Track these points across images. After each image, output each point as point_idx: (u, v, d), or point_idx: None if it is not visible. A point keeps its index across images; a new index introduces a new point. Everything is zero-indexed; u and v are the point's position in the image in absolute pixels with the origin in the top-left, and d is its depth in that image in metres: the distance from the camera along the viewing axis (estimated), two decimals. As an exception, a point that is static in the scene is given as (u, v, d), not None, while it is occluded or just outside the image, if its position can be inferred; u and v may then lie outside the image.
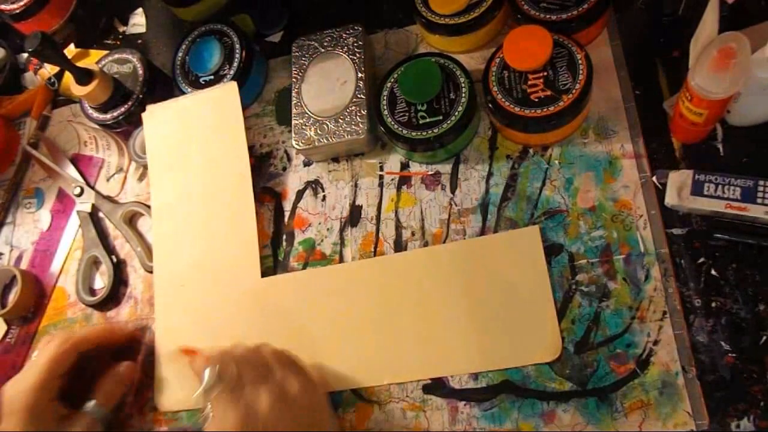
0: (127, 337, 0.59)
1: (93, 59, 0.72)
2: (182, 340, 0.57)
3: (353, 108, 0.58)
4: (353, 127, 0.57)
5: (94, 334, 0.55)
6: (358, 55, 0.59)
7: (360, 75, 0.58)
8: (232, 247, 0.59)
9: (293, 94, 0.61)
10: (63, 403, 0.51)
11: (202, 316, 0.58)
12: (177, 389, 0.57)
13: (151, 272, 0.62)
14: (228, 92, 0.62)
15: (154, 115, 0.65)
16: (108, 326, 0.59)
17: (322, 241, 0.59)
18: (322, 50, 0.61)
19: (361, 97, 0.58)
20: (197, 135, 0.63)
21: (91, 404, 0.53)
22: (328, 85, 0.59)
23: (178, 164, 0.63)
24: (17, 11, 0.71)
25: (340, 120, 0.58)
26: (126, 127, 0.66)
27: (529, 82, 0.51)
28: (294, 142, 0.59)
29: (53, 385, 0.51)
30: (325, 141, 0.57)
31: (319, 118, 0.58)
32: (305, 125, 0.59)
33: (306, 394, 0.47)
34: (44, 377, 0.50)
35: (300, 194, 0.61)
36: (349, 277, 0.56)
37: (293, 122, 0.59)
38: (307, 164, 0.62)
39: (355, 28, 0.60)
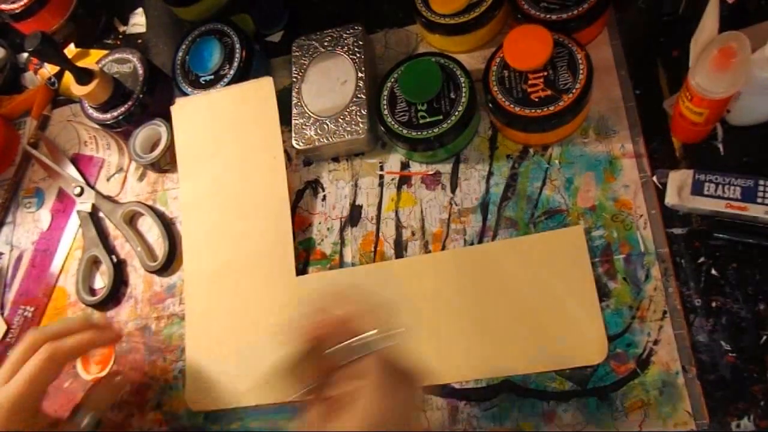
0: (110, 343, 0.56)
1: (93, 59, 0.71)
2: (213, 339, 0.57)
3: (353, 108, 0.58)
4: (353, 126, 0.57)
5: (78, 345, 0.50)
6: (358, 55, 0.59)
7: (360, 75, 0.58)
8: (266, 245, 0.58)
9: (293, 93, 0.61)
10: (46, 413, 0.49)
11: (233, 314, 0.58)
12: (209, 388, 0.56)
13: (151, 272, 0.62)
14: (263, 86, 0.61)
15: (184, 108, 0.64)
16: (91, 334, 0.52)
17: (322, 240, 0.59)
18: (323, 50, 0.61)
19: (361, 97, 0.58)
20: (230, 129, 0.62)
21: (78, 414, 0.51)
22: (328, 84, 0.59)
23: (209, 159, 0.62)
24: (17, 11, 0.71)
25: (340, 120, 0.58)
26: (126, 127, 0.66)
27: (530, 82, 0.51)
28: (294, 142, 0.59)
29: (36, 397, 0.48)
30: (326, 141, 0.57)
31: (320, 118, 0.58)
32: (305, 125, 0.59)
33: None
34: (26, 390, 0.47)
35: (300, 194, 0.61)
36: (388, 276, 0.55)
37: (293, 122, 0.59)
38: (307, 164, 0.62)
39: (355, 27, 0.60)
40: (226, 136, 0.62)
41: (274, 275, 0.58)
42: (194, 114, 0.64)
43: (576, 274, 0.50)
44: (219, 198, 0.61)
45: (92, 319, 0.55)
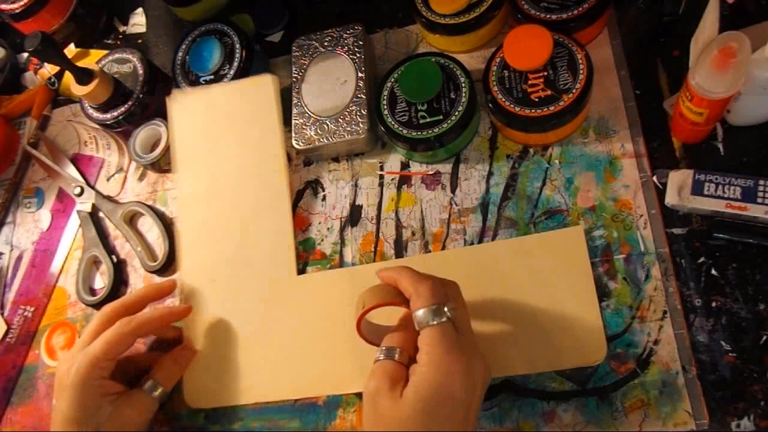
0: (181, 317, 0.57)
1: (93, 59, 0.72)
2: (211, 336, 0.57)
3: (353, 108, 0.58)
4: (353, 126, 0.57)
5: (152, 319, 0.53)
6: (358, 54, 0.59)
7: (360, 75, 0.58)
8: (267, 243, 0.58)
9: (293, 93, 0.61)
10: (116, 381, 0.51)
11: (233, 312, 0.58)
12: (209, 386, 0.56)
13: (151, 272, 0.62)
14: (264, 84, 0.61)
15: (181, 102, 0.63)
16: (164, 310, 0.57)
17: (322, 240, 0.59)
18: (323, 50, 0.61)
19: (362, 97, 0.58)
20: (229, 126, 0.62)
21: (149, 383, 0.52)
22: (328, 84, 0.59)
23: (207, 154, 0.62)
24: (17, 11, 0.71)
25: (340, 120, 0.58)
26: (126, 127, 0.66)
27: (530, 82, 0.51)
28: (294, 142, 0.59)
29: (107, 365, 0.50)
30: (326, 141, 0.57)
31: (320, 118, 0.59)
32: (305, 125, 0.59)
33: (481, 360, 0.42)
34: (98, 357, 0.49)
35: (300, 194, 0.61)
36: None
37: (293, 122, 0.59)
38: (307, 164, 0.62)
39: (356, 27, 0.60)
40: (225, 132, 0.62)
41: (274, 274, 0.58)
42: (192, 108, 0.63)
43: (576, 275, 0.50)
44: (218, 195, 0.61)
45: (162, 288, 0.58)
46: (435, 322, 0.40)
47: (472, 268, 0.53)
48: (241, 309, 0.57)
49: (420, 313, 0.41)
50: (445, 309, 0.41)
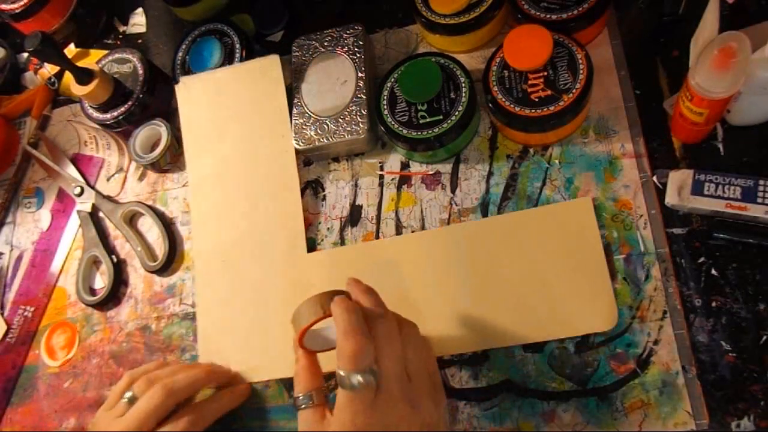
0: (226, 381, 0.56)
1: (93, 59, 0.71)
2: (223, 316, 0.58)
3: (353, 108, 0.58)
4: (353, 126, 0.57)
5: (191, 383, 0.52)
6: (358, 54, 0.59)
7: (360, 75, 0.58)
8: (277, 222, 0.59)
9: (293, 93, 0.61)
10: None
11: (244, 291, 0.58)
12: (221, 364, 0.57)
13: (151, 272, 0.62)
14: (269, 64, 0.61)
15: (189, 87, 0.64)
16: (209, 371, 0.54)
17: (322, 240, 0.59)
18: (323, 50, 0.61)
19: (362, 97, 0.58)
20: (236, 108, 0.63)
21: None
22: (328, 84, 0.59)
23: (216, 138, 0.63)
24: (17, 11, 0.71)
25: (340, 120, 0.58)
26: (126, 127, 0.66)
27: (530, 82, 0.51)
28: (294, 142, 0.59)
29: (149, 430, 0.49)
30: (326, 141, 0.57)
31: (320, 118, 0.59)
32: (305, 125, 0.59)
33: (436, 408, 0.43)
34: (141, 425, 0.49)
35: (300, 194, 0.61)
36: (396, 251, 0.55)
37: (293, 122, 0.59)
38: (307, 164, 0.62)
39: (356, 27, 0.60)
40: (233, 114, 0.63)
41: (285, 253, 0.58)
42: (200, 93, 0.64)
43: (585, 244, 0.50)
44: (228, 177, 0.62)
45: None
46: (348, 388, 0.40)
47: (482, 241, 0.53)
48: (253, 288, 0.58)
49: (339, 372, 0.41)
50: (359, 378, 0.40)
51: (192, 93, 0.64)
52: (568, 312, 0.49)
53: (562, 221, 0.52)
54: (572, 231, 0.51)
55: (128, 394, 0.51)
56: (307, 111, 0.59)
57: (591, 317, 0.49)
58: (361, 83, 0.58)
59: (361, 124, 0.57)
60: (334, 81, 0.59)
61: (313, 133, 0.58)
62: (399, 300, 0.53)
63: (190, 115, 0.64)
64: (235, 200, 0.61)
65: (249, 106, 0.62)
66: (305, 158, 0.62)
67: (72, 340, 0.63)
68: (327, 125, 0.58)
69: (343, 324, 0.41)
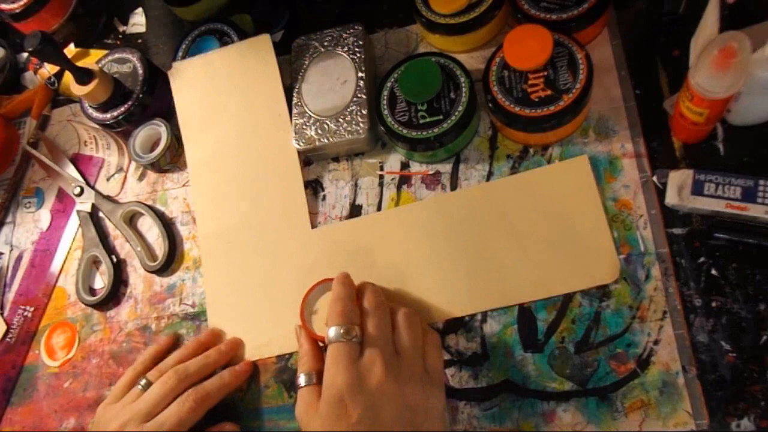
0: (245, 376, 0.56)
1: (93, 59, 0.71)
2: (231, 298, 0.59)
3: (354, 107, 0.58)
4: (354, 126, 0.57)
5: (220, 388, 0.53)
6: (358, 54, 0.59)
7: (360, 74, 0.58)
8: (279, 201, 0.60)
9: (294, 93, 0.60)
10: None
11: (251, 271, 0.59)
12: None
13: (151, 272, 0.62)
14: (260, 44, 0.62)
15: (182, 72, 0.64)
16: (230, 375, 0.54)
17: (322, 240, 0.58)
18: (323, 50, 0.61)
19: (362, 97, 0.58)
20: (231, 89, 0.63)
21: None
22: (328, 84, 0.59)
23: (212, 121, 0.63)
24: (17, 11, 0.71)
25: (340, 120, 0.58)
26: (126, 127, 0.66)
27: (530, 82, 0.51)
28: (294, 142, 0.59)
29: None
30: (326, 141, 0.57)
31: (320, 118, 0.58)
32: (306, 125, 0.59)
33: (422, 392, 0.45)
34: (151, 411, 0.50)
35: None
36: (400, 221, 0.56)
37: (294, 122, 0.59)
38: (307, 164, 0.62)
39: (356, 27, 0.60)
40: (228, 95, 0.63)
41: (289, 229, 0.59)
42: (193, 76, 0.64)
43: (584, 201, 0.51)
44: (227, 158, 0.62)
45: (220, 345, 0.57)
46: (333, 341, 0.45)
47: (483, 205, 0.54)
48: (259, 266, 0.59)
49: (327, 330, 0.46)
50: (342, 330, 0.45)
51: (185, 77, 0.65)
52: (570, 268, 0.50)
53: (559, 181, 0.52)
54: (570, 189, 0.52)
55: (142, 382, 0.53)
56: (308, 111, 0.59)
57: (593, 271, 0.50)
58: (361, 83, 0.58)
59: (361, 124, 0.57)
60: (334, 81, 0.59)
61: (313, 133, 0.58)
62: (403, 269, 0.54)
63: (185, 100, 0.65)
64: (236, 181, 0.61)
65: (243, 87, 0.63)
66: (305, 158, 0.62)
67: (72, 340, 0.63)
68: (327, 125, 0.58)
69: (335, 293, 0.48)
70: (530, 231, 0.52)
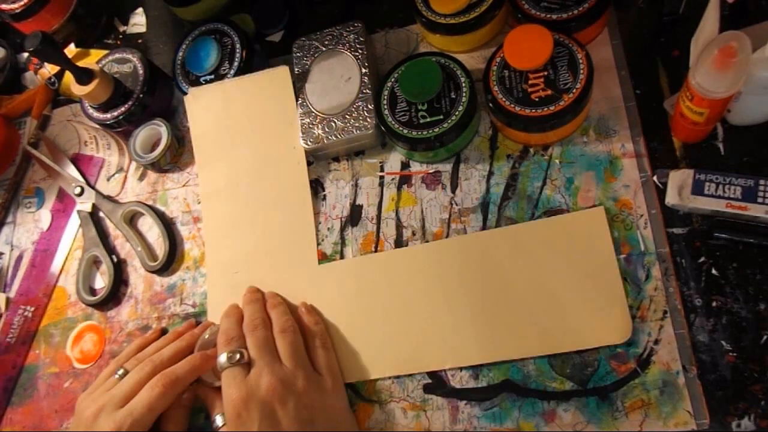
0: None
1: (93, 59, 0.71)
2: None
3: (360, 103, 0.57)
4: (361, 122, 0.57)
5: (191, 370, 0.52)
6: (360, 51, 0.59)
7: (364, 71, 0.58)
8: (288, 234, 0.59)
9: (297, 94, 0.60)
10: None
11: None
12: None
13: (151, 272, 0.62)
14: (279, 75, 0.61)
15: (198, 98, 0.64)
16: (199, 358, 0.54)
17: (322, 240, 0.59)
18: (324, 49, 0.61)
19: (367, 92, 0.58)
20: (247, 120, 0.62)
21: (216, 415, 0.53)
22: (332, 83, 0.59)
23: (227, 149, 0.63)
24: (17, 11, 0.71)
25: (347, 116, 0.58)
26: (126, 127, 0.66)
27: (530, 82, 0.51)
28: (302, 142, 0.59)
29: (150, 423, 0.50)
30: (334, 138, 0.57)
31: (326, 116, 0.58)
32: (312, 124, 0.59)
33: (316, 392, 0.49)
34: (143, 417, 0.49)
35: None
36: (409, 262, 0.55)
37: (300, 122, 0.59)
38: (307, 163, 0.62)
39: (356, 25, 0.60)
40: (243, 125, 0.63)
41: (296, 263, 0.58)
42: (209, 104, 0.64)
43: (598, 255, 0.50)
44: (239, 188, 0.62)
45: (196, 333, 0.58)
46: (222, 368, 0.50)
47: (494, 252, 0.53)
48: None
49: (219, 359, 0.51)
50: (226, 355, 0.50)
51: (201, 104, 0.64)
52: (580, 324, 0.48)
53: (574, 231, 0.51)
54: (584, 241, 0.50)
55: (120, 371, 0.54)
56: (313, 110, 0.59)
57: (604, 329, 0.48)
58: (366, 79, 0.58)
59: (368, 119, 0.57)
60: (338, 79, 0.59)
61: (320, 131, 0.58)
62: (408, 310, 0.53)
63: (200, 127, 0.64)
64: (247, 212, 0.61)
65: (259, 118, 0.62)
66: (305, 158, 0.62)
67: (100, 342, 0.63)
68: (334, 123, 0.58)
69: (221, 326, 0.53)
70: (543, 283, 0.50)
